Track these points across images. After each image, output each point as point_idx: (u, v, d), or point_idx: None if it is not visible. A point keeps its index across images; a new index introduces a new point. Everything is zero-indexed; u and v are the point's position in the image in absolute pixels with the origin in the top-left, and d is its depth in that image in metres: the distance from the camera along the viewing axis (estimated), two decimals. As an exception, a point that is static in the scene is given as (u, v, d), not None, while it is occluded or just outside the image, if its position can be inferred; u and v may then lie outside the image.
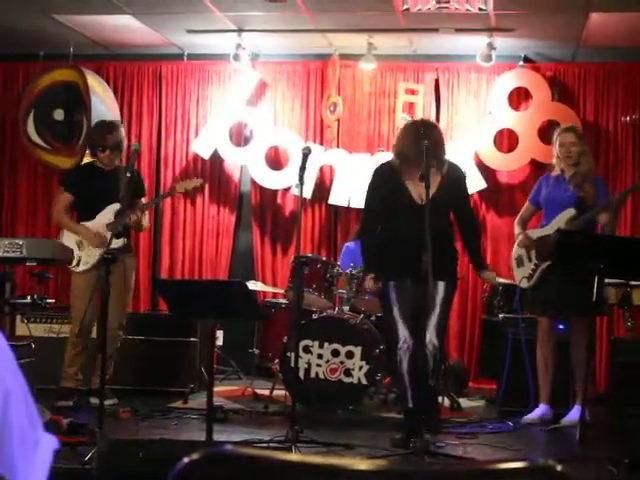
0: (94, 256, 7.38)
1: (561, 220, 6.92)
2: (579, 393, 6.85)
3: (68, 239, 7.49)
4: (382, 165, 6.64)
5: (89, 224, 7.46)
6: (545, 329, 7.04)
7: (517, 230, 7.25)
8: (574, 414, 6.74)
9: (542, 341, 7.05)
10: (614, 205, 6.96)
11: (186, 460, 1.36)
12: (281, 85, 9.78)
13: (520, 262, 7.16)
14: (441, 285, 6.19)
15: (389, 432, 6.38)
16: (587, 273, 6.56)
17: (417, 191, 6.18)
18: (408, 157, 6.17)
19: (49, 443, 1.65)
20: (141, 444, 5.26)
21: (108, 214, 7.40)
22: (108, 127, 7.57)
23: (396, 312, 6.25)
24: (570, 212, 6.90)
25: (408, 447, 5.75)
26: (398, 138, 6.43)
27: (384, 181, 6.36)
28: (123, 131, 7.70)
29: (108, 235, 7.16)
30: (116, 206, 7.34)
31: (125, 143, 7.69)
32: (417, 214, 5.89)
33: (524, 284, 7.12)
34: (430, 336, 6.15)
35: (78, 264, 7.42)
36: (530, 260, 7.08)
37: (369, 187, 6.50)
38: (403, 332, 6.20)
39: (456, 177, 6.39)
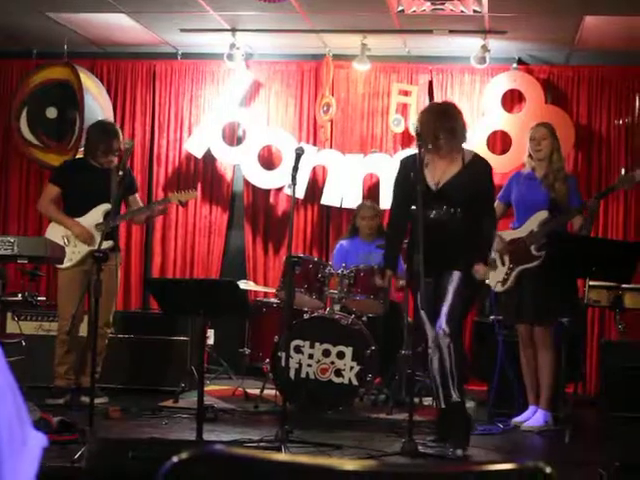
0: (78, 253, 7.34)
1: (534, 222, 6.85)
2: (542, 396, 6.88)
3: (54, 234, 7.42)
4: (408, 156, 6.55)
5: (78, 220, 7.42)
6: (524, 334, 7.00)
7: None
8: (537, 419, 6.80)
9: (523, 346, 7.01)
10: (590, 211, 6.91)
11: (175, 459, 1.36)
12: (275, 85, 9.78)
13: (493, 265, 7.08)
14: (455, 275, 6.00)
15: (379, 433, 6.40)
16: (574, 276, 6.58)
17: (432, 176, 6.06)
18: (426, 137, 6.04)
19: (38, 441, 1.64)
20: (131, 443, 5.26)
21: (97, 214, 7.38)
22: (113, 132, 7.49)
23: (423, 313, 6.12)
24: (542, 214, 6.84)
25: (445, 447, 5.84)
26: (420, 116, 6.32)
27: (407, 171, 6.25)
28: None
29: (97, 235, 7.16)
30: (106, 206, 7.31)
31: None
32: (431, 201, 5.85)
33: (498, 288, 7.02)
34: (440, 322, 5.96)
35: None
36: (504, 264, 6.97)
37: (395, 180, 6.42)
38: (431, 332, 6.06)
39: (478, 171, 6.16)
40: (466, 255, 6.03)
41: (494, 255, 7.01)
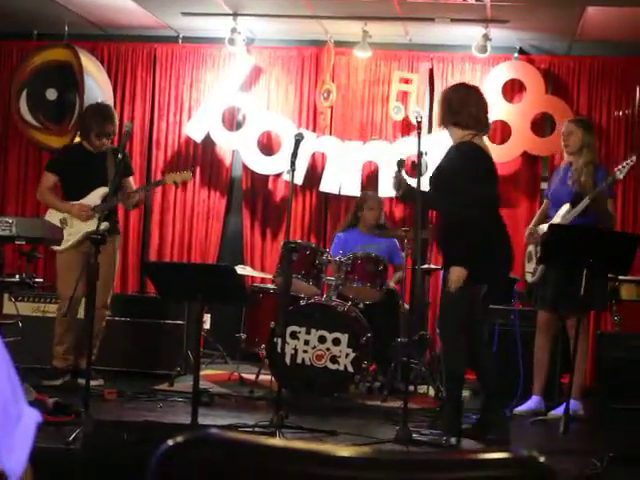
0: (75, 234, 7.34)
1: (558, 216, 6.94)
2: (574, 385, 6.89)
3: (52, 218, 7.44)
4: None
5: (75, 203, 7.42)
6: (543, 322, 7.04)
7: (530, 225, 7.35)
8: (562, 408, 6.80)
9: (540, 333, 7.05)
10: (596, 199, 6.88)
11: (170, 443, 1.36)
12: (275, 71, 9.76)
13: (530, 257, 7.23)
14: (445, 274, 5.93)
15: (373, 420, 6.42)
16: (575, 268, 6.57)
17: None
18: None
19: (32, 417, 1.65)
20: (126, 426, 5.26)
21: (95, 197, 7.37)
22: (108, 115, 7.46)
23: None
24: (565, 207, 6.91)
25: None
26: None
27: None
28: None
29: (94, 217, 7.19)
30: (103, 190, 7.31)
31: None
32: None
33: (529, 279, 7.17)
34: None
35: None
36: (537, 255, 7.09)
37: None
38: None
39: (452, 152, 5.98)
40: (449, 254, 5.94)
41: (531, 247, 7.14)
